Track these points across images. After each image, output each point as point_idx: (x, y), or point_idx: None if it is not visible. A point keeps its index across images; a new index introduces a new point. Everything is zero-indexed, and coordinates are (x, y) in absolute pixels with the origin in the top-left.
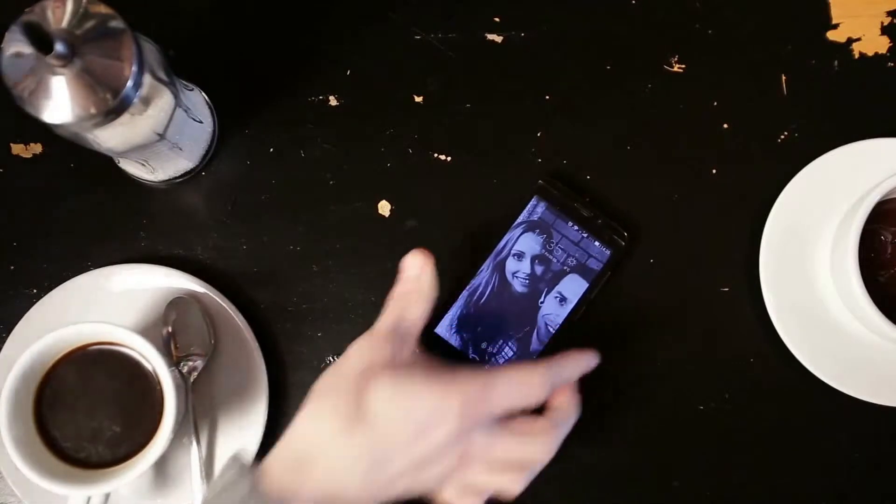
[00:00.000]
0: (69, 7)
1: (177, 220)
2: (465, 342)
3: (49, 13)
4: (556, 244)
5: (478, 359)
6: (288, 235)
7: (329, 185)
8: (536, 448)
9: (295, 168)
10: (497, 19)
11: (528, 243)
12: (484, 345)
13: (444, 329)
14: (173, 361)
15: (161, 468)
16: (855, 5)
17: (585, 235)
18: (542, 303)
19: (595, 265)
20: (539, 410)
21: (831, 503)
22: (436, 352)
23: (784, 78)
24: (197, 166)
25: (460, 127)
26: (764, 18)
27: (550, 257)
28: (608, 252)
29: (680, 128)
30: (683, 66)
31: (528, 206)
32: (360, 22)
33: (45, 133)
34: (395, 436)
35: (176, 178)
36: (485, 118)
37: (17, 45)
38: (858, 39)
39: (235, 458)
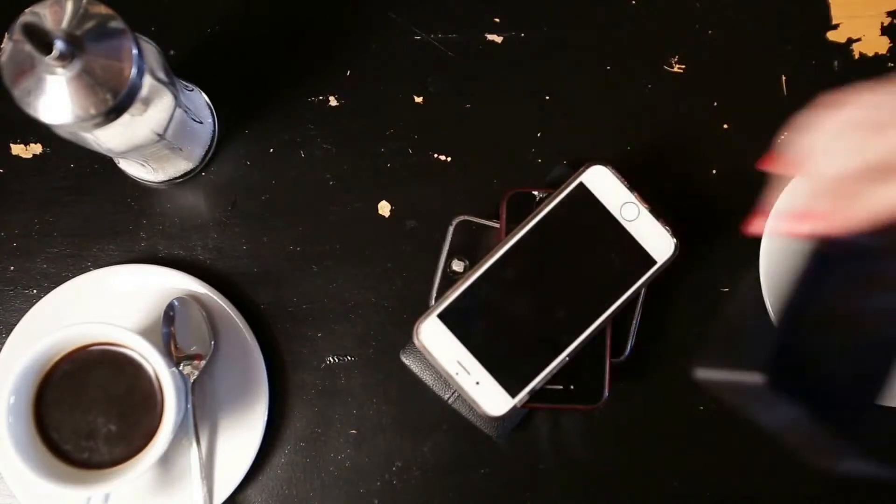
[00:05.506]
0: (69, 7)
1: (177, 220)
2: None
3: (49, 13)
4: None
5: None
6: (288, 235)
7: (329, 185)
8: None
9: (295, 168)
10: (497, 19)
11: None
12: None
13: None
14: (173, 362)
15: (161, 469)
16: (855, 5)
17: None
18: None
19: None
20: None
21: (832, 503)
22: None
23: (784, 78)
24: (197, 166)
25: (460, 127)
26: (764, 18)
27: None
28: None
29: (680, 128)
30: (683, 66)
31: None
32: (359, 22)
33: (45, 133)
34: None
35: (176, 178)
36: (485, 118)
37: (17, 45)
38: (858, 40)
39: None
